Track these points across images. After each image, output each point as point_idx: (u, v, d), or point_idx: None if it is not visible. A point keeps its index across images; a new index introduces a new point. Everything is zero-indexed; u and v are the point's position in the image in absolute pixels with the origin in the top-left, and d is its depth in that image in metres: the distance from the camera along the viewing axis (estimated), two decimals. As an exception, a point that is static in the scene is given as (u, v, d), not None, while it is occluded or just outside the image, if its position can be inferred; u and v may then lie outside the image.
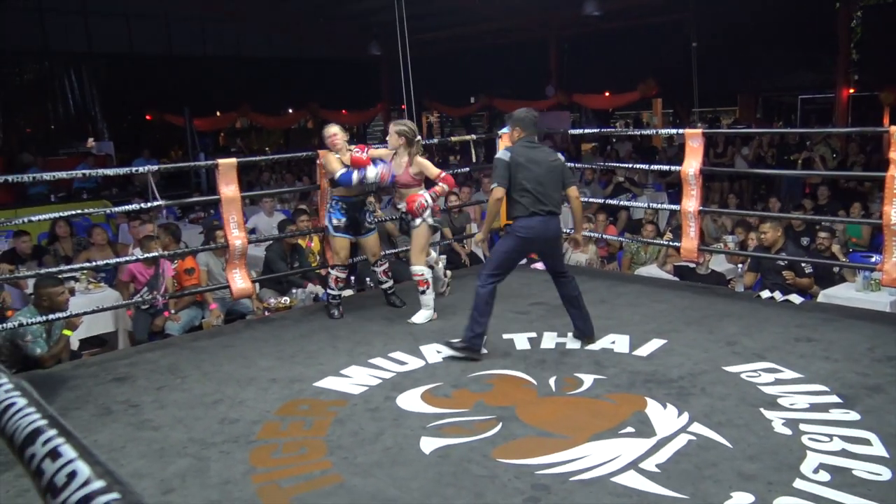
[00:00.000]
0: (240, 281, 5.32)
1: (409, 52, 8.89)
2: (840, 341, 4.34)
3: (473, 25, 16.58)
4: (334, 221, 5.31)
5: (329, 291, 5.48)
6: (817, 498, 2.67)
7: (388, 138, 5.21)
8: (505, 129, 6.88)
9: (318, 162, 5.62)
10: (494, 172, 4.31)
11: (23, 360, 4.59)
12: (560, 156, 4.50)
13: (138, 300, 5.67)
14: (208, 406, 3.81)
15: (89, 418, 3.72)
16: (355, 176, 5.10)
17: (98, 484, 0.53)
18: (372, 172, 5.12)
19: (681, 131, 6.21)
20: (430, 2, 13.65)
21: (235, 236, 5.21)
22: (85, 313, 5.05)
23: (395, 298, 5.55)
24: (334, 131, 5.32)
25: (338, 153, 5.28)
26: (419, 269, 5.16)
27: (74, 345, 5.36)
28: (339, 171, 5.14)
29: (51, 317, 4.60)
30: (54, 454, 0.57)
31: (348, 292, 5.63)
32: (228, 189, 5.16)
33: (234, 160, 5.28)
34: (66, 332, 4.75)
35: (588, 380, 3.91)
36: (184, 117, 14.84)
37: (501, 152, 4.39)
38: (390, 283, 5.58)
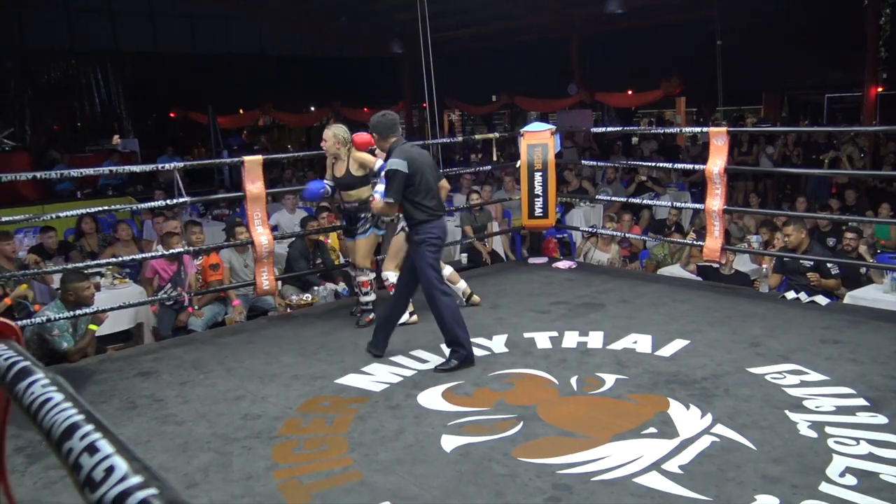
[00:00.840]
0: (266, 281, 5.34)
1: (430, 50, 8.89)
2: (867, 343, 4.28)
3: (495, 23, 16.52)
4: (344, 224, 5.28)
5: (363, 298, 5.18)
6: (843, 502, 2.63)
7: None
8: (528, 128, 6.87)
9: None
10: (393, 186, 4.09)
11: (50, 354, 4.66)
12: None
13: (163, 296, 5.73)
14: (231, 402, 3.84)
15: (115, 412, 3.77)
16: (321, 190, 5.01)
17: (136, 479, 0.54)
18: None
19: (705, 129, 6.15)
20: (452, 0, 13.64)
21: (260, 233, 5.22)
22: (111, 309, 5.12)
23: (359, 315, 5.20)
24: (324, 136, 5.08)
25: (334, 158, 5.09)
26: (386, 275, 5.10)
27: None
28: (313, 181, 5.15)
29: (77, 312, 4.67)
30: (92, 449, 0.58)
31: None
32: (254, 186, 5.17)
33: (260, 157, 5.29)
34: (92, 326, 4.81)
35: (610, 379, 3.89)
36: (207, 115, 14.97)
37: (397, 162, 4.09)
38: (370, 298, 5.18)
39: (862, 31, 12.67)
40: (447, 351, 4.24)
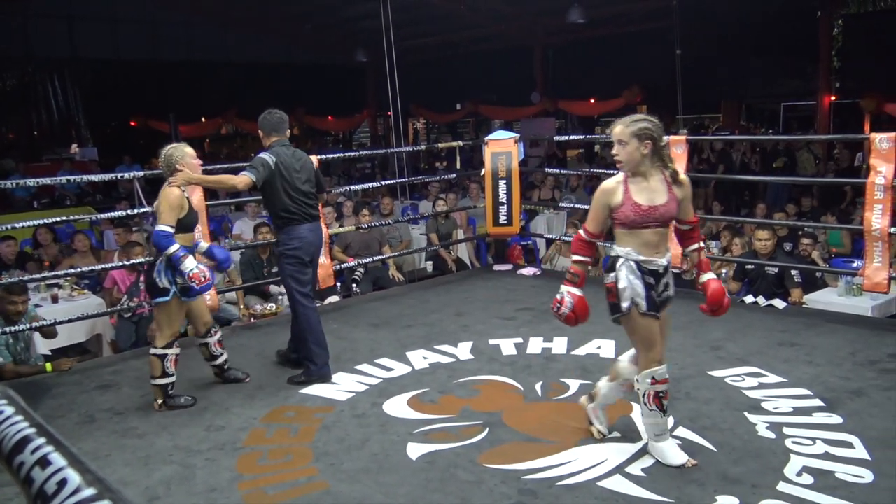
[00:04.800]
0: (206, 297, 5.06)
1: (395, 59, 8.92)
2: (823, 346, 4.38)
3: (460, 32, 16.64)
4: (164, 282, 3.82)
5: (160, 381, 3.86)
6: (801, 501, 2.70)
7: (615, 150, 3.04)
8: (492, 136, 6.91)
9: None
10: (256, 167, 3.99)
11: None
12: (311, 158, 4.40)
13: (121, 308, 5.63)
14: (194, 413, 3.79)
15: (73, 426, 3.69)
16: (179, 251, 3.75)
17: (89, 491, 0.53)
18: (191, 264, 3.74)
19: (666, 138, 6.24)
20: (417, 9, 13.69)
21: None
22: (68, 321, 5.02)
23: (237, 372, 4.25)
24: (192, 152, 4.06)
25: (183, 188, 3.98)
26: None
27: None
28: (168, 226, 3.77)
29: (22, 327, 4.54)
30: (44, 462, 0.57)
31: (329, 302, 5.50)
32: (193, 198, 4.94)
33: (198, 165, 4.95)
34: (48, 367, 4.60)
35: (574, 385, 3.93)
36: (169, 123, 14.78)
37: (266, 154, 4.07)
38: (225, 355, 4.24)
39: (816, 42, 13.04)
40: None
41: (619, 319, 3.03)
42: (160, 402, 3.86)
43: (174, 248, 3.72)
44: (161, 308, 3.87)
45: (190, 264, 3.72)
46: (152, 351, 3.88)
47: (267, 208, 4.21)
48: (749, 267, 5.88)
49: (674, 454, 3.00)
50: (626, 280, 2.96)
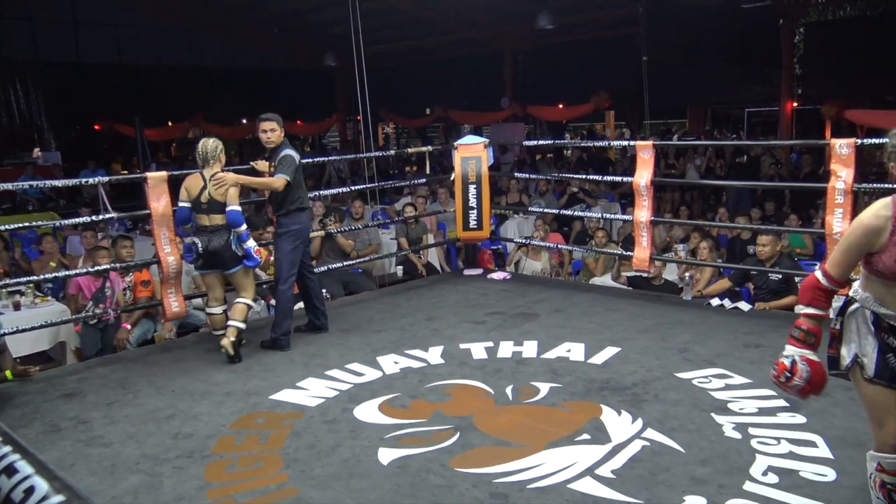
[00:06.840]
0: (174, 303, 5.11)
1: (364, 64, 8.91)
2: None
3: (429, 38, 16.67)
4: (241, 251, 4.64)
5: (242, 325, 4.68)
6: (766, 500, 2.75)
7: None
8: (461, 141, 6.94)
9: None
10: (289, 168, 4.64)
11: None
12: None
13: (86, 315, 5.53)
14: (161, 421, 3.74)
15: (37, 436, 3.61)
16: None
17: (57, 499, 0.53)
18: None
19: (632, 143, 6.33)
20: (386, 14, 13.70)
21: (168, 252, 4.97)
22: (31, 329, 4.92)
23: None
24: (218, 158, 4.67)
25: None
26: None
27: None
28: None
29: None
30: (10, 470, 0.57)
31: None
32: (160, 203, 4.96)
33: (164, 174, 5.04)
34: (8, 374, 4.50)
35: (544, 388, 3.95)
36: (134, 127, 14.56)
37: (291, 151, 4.74)
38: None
39: (778, 50, 13.31)
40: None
41: (847, 378, 2.45)
42: (232, 339, 4.54)
43: (244, 227, 4.51)
44: (245, 271, 4.66)
45: (253, 242, 4.55)
46: (244, 301, 4.65)
47: (283, 196, 4.74)
48: (753, 273, 5.73)
49: None
50: (855, 331, 2.39)
